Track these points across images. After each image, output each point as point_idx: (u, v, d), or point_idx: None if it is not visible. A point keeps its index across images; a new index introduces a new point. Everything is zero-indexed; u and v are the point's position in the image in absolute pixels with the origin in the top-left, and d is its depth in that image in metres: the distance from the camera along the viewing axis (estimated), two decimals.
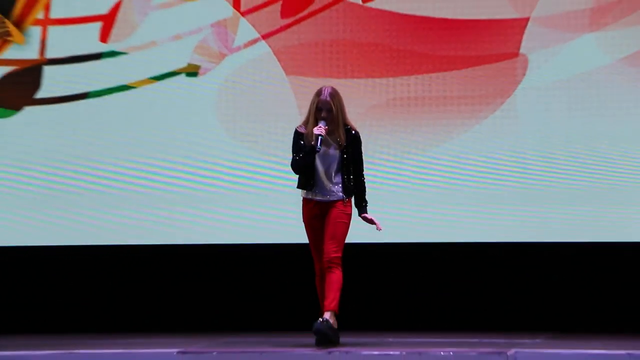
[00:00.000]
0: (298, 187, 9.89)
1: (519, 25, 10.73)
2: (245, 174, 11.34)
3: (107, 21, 11.29)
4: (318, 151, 9.85)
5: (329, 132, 9.79)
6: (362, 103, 10.84)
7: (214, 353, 9.89)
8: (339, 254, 9.77)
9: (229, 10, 11.08)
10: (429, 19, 10.84)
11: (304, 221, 10.01)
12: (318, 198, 9.86)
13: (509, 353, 9.52)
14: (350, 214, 9.89)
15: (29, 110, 11.48)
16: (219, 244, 11.73)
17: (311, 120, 9.75)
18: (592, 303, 11.13)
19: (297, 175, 9.91)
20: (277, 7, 11.03)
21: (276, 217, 10.75)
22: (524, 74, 10.79)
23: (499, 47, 10.82)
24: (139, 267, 11.87)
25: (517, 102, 10.70)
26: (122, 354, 10.30)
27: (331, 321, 9.77)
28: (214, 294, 11.62)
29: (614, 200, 10.76)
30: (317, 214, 9.91)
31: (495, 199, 10.85)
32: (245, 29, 11.12)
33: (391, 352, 9.76)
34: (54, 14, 11.51)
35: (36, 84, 11.48)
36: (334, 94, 9.71)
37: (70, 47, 11.33)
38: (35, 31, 11.56)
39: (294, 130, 9.83)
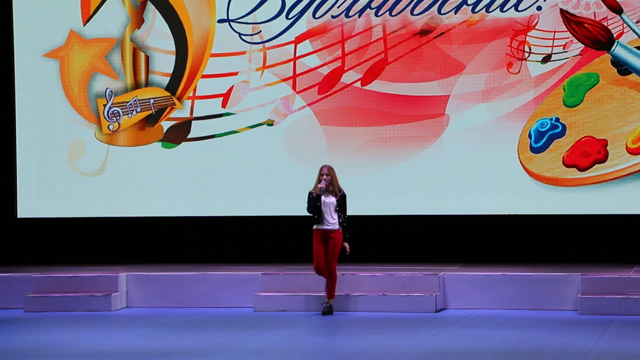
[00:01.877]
0: (312, 223, 11.60)
1: (444, 99, 13.07)
2: (295, 176, 13.17)
3: (225, 97, 13.49)
4: (321, 194, 11.51)
5: (329, 189, 11.60)
6: (361, 140, 13.21)
7: (281, 274, 12.27)
8: (335, 264, 11.59)
9: (289, 90, 13.33)
10: (397, 95, 13.13)
11: (313, 242, 11.57)
12: (323, 228, 11.64)
13: (439, 274, 12.04)
14: (341, 239, 11.60)
15: (184, 145, 13.69)
16: (283, 215, 13.24)
17: (316, 181, 11.68)
18: (483, 247, 13.24)
19: (311, 214, 11.49)
20: (315, 89, 13.24)
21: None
22: (447, 125, 13.04)
23: (433, 110, 13.09)
24: (244, 229, 13.73)
25: (444, 140, 13.11)
26: (230, 274, 12.51)
27: (331, 304, 11.64)
28: (279, 242, 13.49)
29: (495, 185, 12.81)
30: (321, 238, 11.65)
31: (432, 188, 13.07)
32: (299, 100, 13.36)
33: (376, 274, 12.16)
34: (198, 93, 13.57)
35: (188, 130, 13.67)
36: (330, 168, 11.75)
37: (206, 110, 13.61)
38: (188, 102, 13.64)
39: (322, 157, 12.34)
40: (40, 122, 13.86)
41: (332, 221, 11.56)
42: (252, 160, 13.37)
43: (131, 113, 13.67)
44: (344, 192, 11.72)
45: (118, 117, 13.69)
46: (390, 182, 13.13)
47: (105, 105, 13.70)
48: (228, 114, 13.49)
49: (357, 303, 11.85)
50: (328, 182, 11.54)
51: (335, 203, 11.57)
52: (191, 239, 13.94)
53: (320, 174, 11.64)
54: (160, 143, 13.64)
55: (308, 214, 11.61)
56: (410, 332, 10.46)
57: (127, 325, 11.33)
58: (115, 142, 13.74)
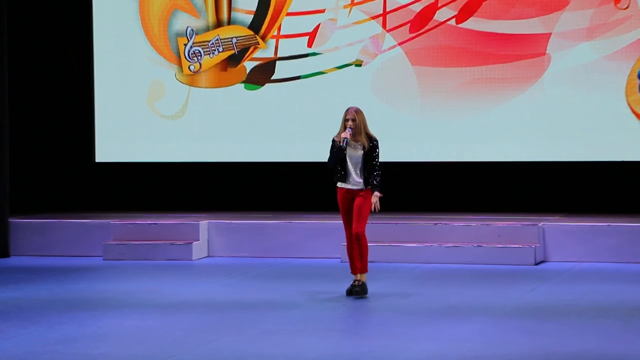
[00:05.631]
0: (334, 180, 10.05)
1: (546, 37, 12.84)
2: (384, 120, 12.80)
3: (312, 36, 13.47)
4: (344, 146, 9.83)
5: (355, 138, 9.87)
6: (455, 82, 13.10)
7: (369, 224, 10.89)
8: (363, 229, 9.95)
9: (379, 29, 13.25)
10: (494, 33, 12.99)
11: (339, 203, 10.04)
12: (349, 187, 9.99)
13: (539, 224, 12.03)
14: (369, 199, 9.90)
15: (267, 86, 13.70)
16: None
17: (341, 128, 9.96)
18: (587, 196, 13.17)
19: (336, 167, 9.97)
20: (406, 27, 13.16)
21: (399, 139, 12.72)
22: (548, 65, 12.88)
23: (534, 49, 12.87)
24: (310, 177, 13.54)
25: (545, 81, 12.91)
26: (316, 224, 12.64)
27: (364, 280, 9.97)
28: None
29: (601, 130, 12.70)
30: (347, 198, 10.02)
31: (532, 133, 12.93)
32: (389, 39, 13.23)
33: (471, 224, 12.17)
34: (283, 32, 13.57)
35: (272, 71, 13.68)
36: (358, 111, 9.91)
37: (291, 50, 13.60)
38: (272, 42, 13.62)
39: (413, 99, 12.09)
40: (119, 63, 13.92)
41: (358, 180, 9.95)
42: (340, 102, 12.56)
43: (213, 53, 13.65)
44: (375, 142, 9.95)
45: (199, 57, 13.68)
46: (486, 126, 13.01)
47: (185, 45, 13.70)
48: (314, 54, 13.47)
49: (450, 255, 11.79)
50: (353, 130, 9.82)
51: (362, 158, 9.91)
52: (275, 186, 13.94)
53: (345, 119, 9.90)
54: (242, 84, 13.65)
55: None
56: (507, 286, 10.38)
57: (208, 275, 11.41)
58: (197, 83, 13.76)
